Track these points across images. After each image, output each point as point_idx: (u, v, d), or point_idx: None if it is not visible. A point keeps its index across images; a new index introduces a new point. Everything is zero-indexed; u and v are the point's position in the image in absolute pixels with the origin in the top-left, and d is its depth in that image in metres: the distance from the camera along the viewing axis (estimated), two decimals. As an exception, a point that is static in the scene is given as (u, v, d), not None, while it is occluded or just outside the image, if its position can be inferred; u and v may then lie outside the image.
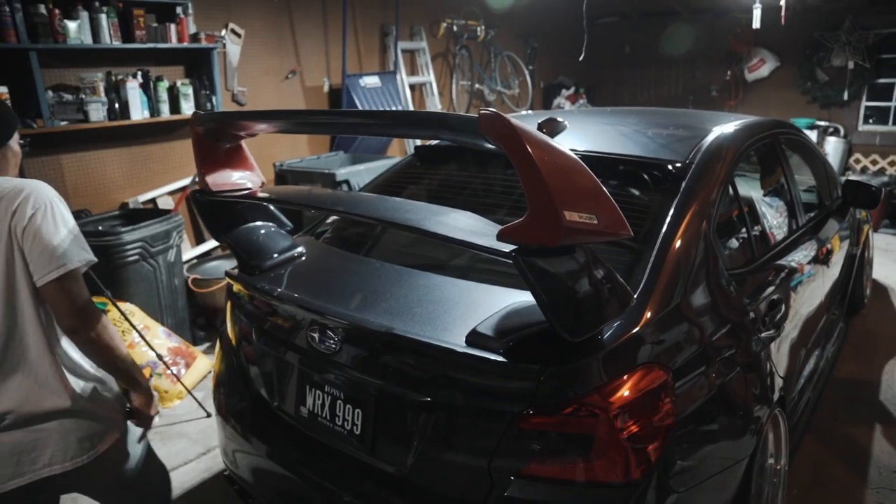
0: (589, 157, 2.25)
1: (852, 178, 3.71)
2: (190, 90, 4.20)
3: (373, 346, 1.75)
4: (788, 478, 2.51)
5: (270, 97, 5.05)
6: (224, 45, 4.55)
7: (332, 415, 1.89)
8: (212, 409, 3.35)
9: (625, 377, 1.54)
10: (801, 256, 2.69)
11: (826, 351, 3.41)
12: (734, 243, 2.32)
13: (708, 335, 1.83)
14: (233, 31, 4.65)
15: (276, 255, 2.22)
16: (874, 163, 7.42)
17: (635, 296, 1.68)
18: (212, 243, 4.72)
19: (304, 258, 2.25)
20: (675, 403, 1.62)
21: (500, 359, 1.49)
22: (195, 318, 4.26)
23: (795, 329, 2.55)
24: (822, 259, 2.99)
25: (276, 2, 4.98)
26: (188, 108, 4.19)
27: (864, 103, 7.48)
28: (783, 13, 5.47)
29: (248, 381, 2.22)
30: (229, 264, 4.55)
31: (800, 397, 2.78)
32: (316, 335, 1.85)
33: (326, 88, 5.50)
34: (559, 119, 2.59)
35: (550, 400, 1.49)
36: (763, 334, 2.12)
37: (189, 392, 3.44)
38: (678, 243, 1.87)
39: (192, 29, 4.23)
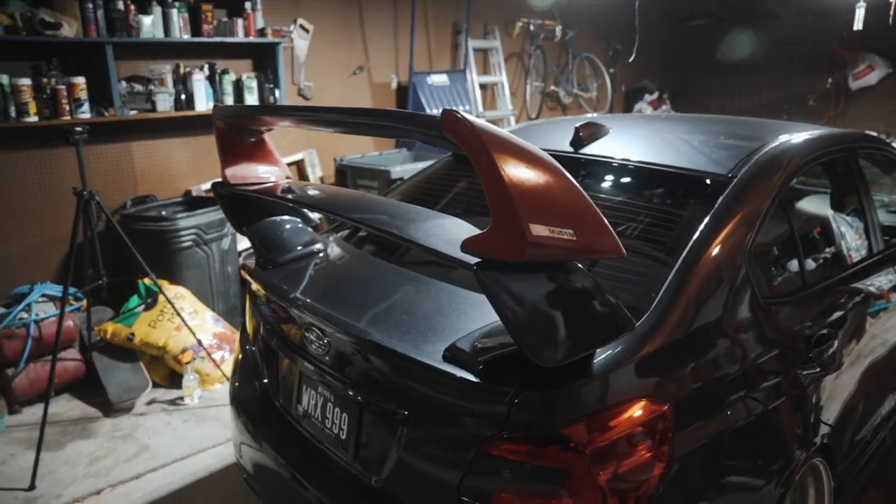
0: (618, 166, 2.11)
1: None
2: (255, 83, 4.32)
3: (357, 352, 1.70)
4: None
5: (336, 92, 5.12)
6: (292, 40, 4.64)
7: (322, 416, 1.87)
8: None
9: (612, 409, 1.41)
10: (869, 283, 2.40)
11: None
12: (782, 269, 2.09)
13: (726, 367, 1.64)
14: (301, 26, 4.74)
15: (292, 251, 2.22)
16: None
17: (642, 319, 1.53)
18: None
19: (320, 256, 2.23)
20: (674, 443, 1.46)
21: (473, 378, 1.40)
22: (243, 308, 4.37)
23: (856, 371, 2.27)
24: (892, 290, 2.65)
25: (347, -1, 5.05)
26: (252, 100, 4.31)
27: None
28: (893, 11, 4.94)
29: (259, 374, 2.23)
30: (285, 255, 4.67)
31: (860, 451, 2.47)
32: (311, 336, 1.82)
33: (394, 85, 5.51)
34: (601, 124, 2.46)
35: (523, 427, 1.38)
36: (805, 372, 1.89)
37: (227, 377, 3.53)
38: (702, 264, 1.69)
39: (260, 24, 4.34)
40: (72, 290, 3.60)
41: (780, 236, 2.10)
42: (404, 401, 1.58)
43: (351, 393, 1.74)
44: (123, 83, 3.85)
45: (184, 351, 3.55)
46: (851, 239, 2.58)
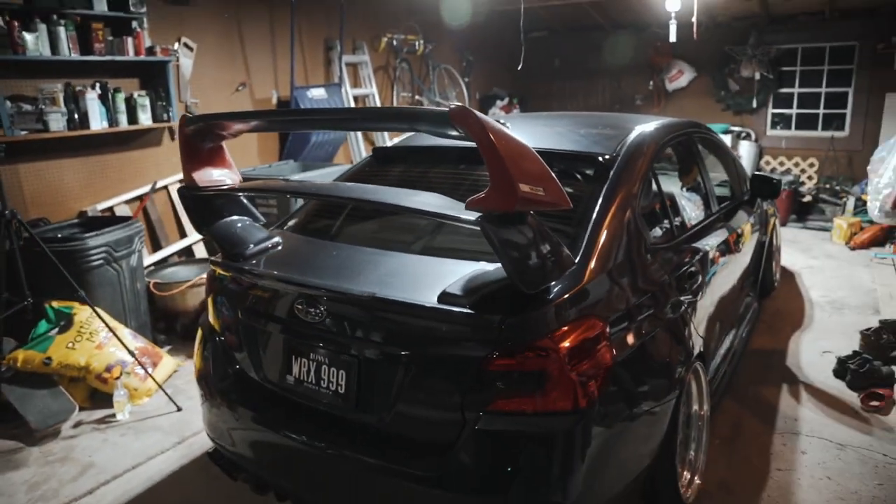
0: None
1: (757, 173, 4.22)
2: (147, 101, 4.36)
3: (356, 311, 2.04)
4: (711, 432, 2.92)
5: (221, 108, 5.21)
6: (177, 59, 4.72)
7: (317, 379, 2.15)
8: (182, 403, 3.55)
9: (570, 325, 1.88)
10: (713, 237, 3.13)
11: (743, 326, 3.90)
12: (656, 224, 2.72)
13: (636, 295, 2.19)
14: (185, 44, 4.83)
15: (254, 245, 2.47)
16: (781, 164, 8.17)
17: (576, 261, 2.03)
18: (168, 251, 4.84)
19: (280, 246, 2.51)
20: (612, 349, 1.97)
21: (468, 311, 1.81)
22: (155, 322, 4.38)
23: (713, 299, 2.97)
24: (733, 242, 3.44)
25: (227, 17, 5.19)
26: (145, 118, 4.34)
27: (771, 110, 8.23)
28: (695, 29, 6.06)
29: (232, 360, 2.45)
30: (186, 270, 4.74)
31: (721, 361, 3.21)
32: (303, 307, 2.11)
33: (275, 100, 5.71)
34: (501, 121, 2.98)
35: (510, 344, 1.81)
36: (683, 298, 2.51)
37: (160, 387, 3.59)
38: (608, 221, 2.24)
39: (148, 42, 4.39)
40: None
41: (653, 200, 2.73)
42: (404, 343, 1.95)
43: (349, 350, 2.06)
44: (9, 103, 3.76)
45: (108, 369, 3.55)
46: (697, 204, 3.34)
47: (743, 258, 3.78)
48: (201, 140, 2.32)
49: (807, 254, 6.20)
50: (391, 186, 2.90)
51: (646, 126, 2.89)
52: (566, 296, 1.91)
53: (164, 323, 4.47)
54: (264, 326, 2.30)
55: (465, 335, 1.86)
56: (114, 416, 3.48)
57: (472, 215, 1.66)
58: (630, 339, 2.09)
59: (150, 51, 4.38)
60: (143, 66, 4.50)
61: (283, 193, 2.61)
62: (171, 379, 3.85)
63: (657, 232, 2.65)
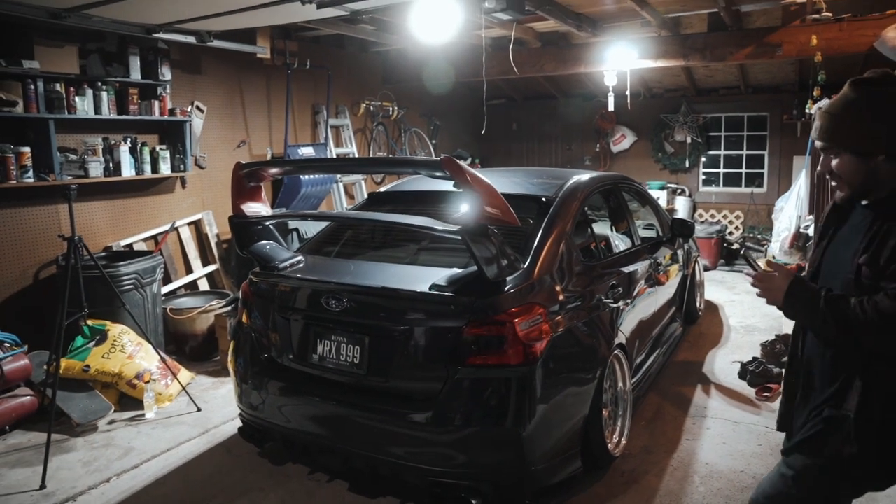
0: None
1: (678, 215, 5.23)
2: (168, 154, 5.18)
3: (370, 300, 2.86)
4: (637, 414, 3.77)
5: (224, 162, 6.06)
6: (191, 119, 5.57)
7: (337, 355, 2.94)
8: (202, 405, 4.23)
9: (521, 307, 2.74)
10: (636, 264, 4.05)
11: (670, 342, 4.82)
12: (586, 247, 3.63)
13: (567, 293, 3.06)
14: (197, 107, 5.68)
15: (284, 261, 3.29)
16: (712, 216, 9.32)
17: (525, 265, 2.90)
18: (177, 283, 5.56)
19: (303, 262, 3.32)
20: (550, 325, 2.82)
21: (451, 295, 2.66)
22: (167, 344, 5.07)
23: (635, 308, 3.87)
24: (653, 268, 4.38)
25: (231, 84, 6.09)
26: (165, 168, 5.15)
27: (702, 169, 9.44)
28: (629, 100, 7.24)
29: (263, 349, 3.22)
30: (193, 300, 5.49)
31: (645, 360, 4.09)
32: (330, 301, 2.92)
33: (269, 156, 6.57)
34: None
35: (480, 318, 2.65)
36: (606, 300, 3.40)
37: (184, 389, 4.28)
38: (548, 241, 3.13)
39: (170, 105, 5.24)
40: (10, 335, 4.14)
41: (583, 229, 3.67)
42: (405, 321, 2.77)
43: (362, 330, 2.87)
44: (58, 153, 4.53)
45: (138, 376, 4.23)
46: (621, 238, 4.30)
47: (667, 288, 4.72)
48: (248, 181, 3.16)
49: (731, 291, 7.24)
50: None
51: (580, 177, 3.85)
52: (518, 288, 2.78)
53: (175, 345, 5.15)
54: (295, 318, 3.09)
55: (449, 313, 2.70)
56: (142, 415, 4.14)
57: (455, 228, 2.52)
58: (563, 321, 2.95)
59: (172, 112, 5.22)
60: (164, 125, 5.33)
61: (311, 219, 3.45)
62: (187, 388, 4.52)
63: (587, 253, 3.56)
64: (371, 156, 8.22)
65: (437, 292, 2.69)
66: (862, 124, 1.65)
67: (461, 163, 2.51)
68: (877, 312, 1.57)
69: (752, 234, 8.83)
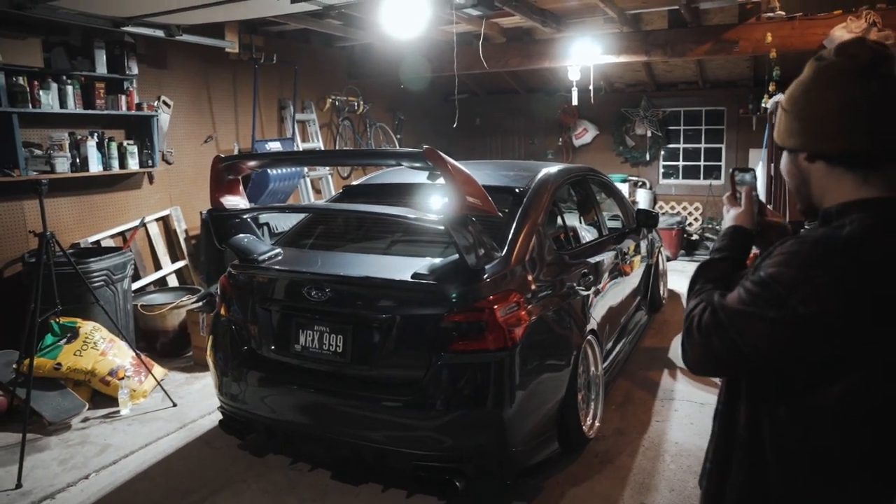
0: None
1: (640, 207, 5.41)
2: (135, 149, 5.12)
3: (351, 289, 2.92)
4: (608, 399, 3.92)
5: (191, 158, 6.01)
6: (158, 114, 5.51)
7: (320, 345, 3.00)
8: (178, 400, 4.22)
9: (500, 294, 2.84)
10: (604, 253, 4.19)
11: (636, 329, 4.99)
12: (557, 237, 3.76)
13: (541, 281, 3.18)
14: (164, 102, 5.63)
15: (262, 253, 3.32)
16: (672, 207, 9.61)
17: (501, 255, 3.00)
18: (146, 280, 5.51)
19: (282, 254, 3.36)
20: (527, 311, 2.93)
21: (434, 283, 2.74)
22: (137, 341, 5.02)
23: (604, 295, 4.01)
24: (620, 257, 4.54)
25: (197, 79, 6.04)
26: (133, 163, 5.10)
27: (662, 162, 9.72)
28: (592, 94, 7.42)
29: (244, 341, 3.24)
30: (164, 297, 5.46)
31: (614, 346, 4.25)
32: (311, 291, 2.97)
33: (236, 151, 6.53)
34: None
35: (462, 304, 2.74)
36: (577, 288, 3.53)
37: (159, 383, 4.27)
38: (522, 232, 3.24)
39: (137, 100, 5.18)
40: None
41: (554, 220, 3.80)
42: (388, 310, 2.84)
43: (345, 319, 2.93)
44: (23, 148, 4.44)
45: (112, 373, 4.20)
46: (590, 229, 4.44)
47: (632, 277, 4.89)
48: (227, 174, 3.18)
49: (691, 280, 7.48)
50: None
51: (550, 169, 3.97)
52: (496, 276, 2.87)
53: (146, 342, 5.11)
54: (276, 309, 3.13)
55: (430, 300, 2.78)
56: (117, 412, 4.12)
57: (438, 218, 2.60)
58: (539, 307, 3.06)
59: (139, 107, 5.17)
60: (131, 120, 5.27)
61: (293, 212, 3.51)
62: (162, 383, 4.50)
63: (558, 243, 3.68)
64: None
65: (418, 280, 2.77)
66: (784, 114, 1.29)
67: (443, 154, 2.59)
68: (712, 305, 1.22)
69: (710, 225, 9.14)
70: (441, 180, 2.62)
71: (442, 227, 2.61)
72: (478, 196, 2.66)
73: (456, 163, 2.65)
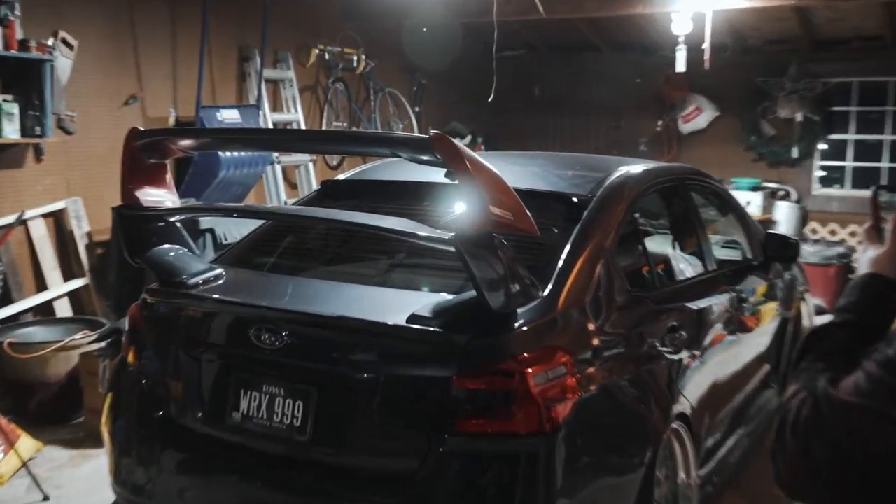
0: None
1: (774, 231, 5.36)
2: (15, 109, 5.16)
3: (320, 334, 2.92)
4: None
5: (103, 126, 6.05)
6: (54, 59, 5.58)
7: (269, 413, 2.95)
8: (53, 491, 4.26)
9: (538, 351, 2.83)
10: (708, 299, 4.13)
11: (758, 412, 4.90)
12: (636, 271, 3.74)
13: (607, 336, 3.14)
14: (64, 41, 5.69)
15: (194, 274, 3.35)
16: (833, 233, 9.24)
17: (544, 294, 3.01)
18: (22, 305, 5.60)
19: (223, 278, 3.39)
20: (578, 380, 2.91)
21: (438, 330, 2.74)
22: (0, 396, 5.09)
23: (706, 364, 3.97)
24: (736, 305, 4.49)
25: (117, 10, 6.13)
26: (11, 130, 5.13)
27: (818, 162, 9.46)
28: (707, 56, 7.35)
29: (158, 404, 3.27)
30: (47, 332, 5.52)
31: (721, 440, 4.20)
32: (262, 334, 2.98)
33: (172, 121, 6.59)
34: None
35: (478, 363, 2.74)
36: (664, 350, 3.50)
37: (25, 465, 4.27)
38: (579, 260, 3.22)
39: (21, 35, 5.20)
40: None
41: (633, 246, 3.78)
42: (371, 366, 2.83)
43: (308, 377, 2.94)
44: None
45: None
46: (689, 260, 4.42)
47: (756, 336, 4.82)
48: (147, 155, 3.23)
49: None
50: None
51: (630, 168, 3.93)
52: (534, 324, 2.86)
53: (13, 399, 5.16)
54: (209, 358, 3.12)
55: (433, 355, 2.74)
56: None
57: (446, 236, 2.62)
58: (598, 375, 2.99)
59: (24, 45, 5.17)
60: (10, 64, 5.25)
61: (238, 215, 3.57)
62: (30, 464, 4.51)
63: (636, 279, 3.67)
64: (328, 127, 8.29)
65: (416, 326, 2.74)
66: None
67: (458, 142, 2.61)
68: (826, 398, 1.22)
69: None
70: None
71: (452, 249, 2.63)
72: (507, 206, 2.66)
73: (478, 157, 2.67)
